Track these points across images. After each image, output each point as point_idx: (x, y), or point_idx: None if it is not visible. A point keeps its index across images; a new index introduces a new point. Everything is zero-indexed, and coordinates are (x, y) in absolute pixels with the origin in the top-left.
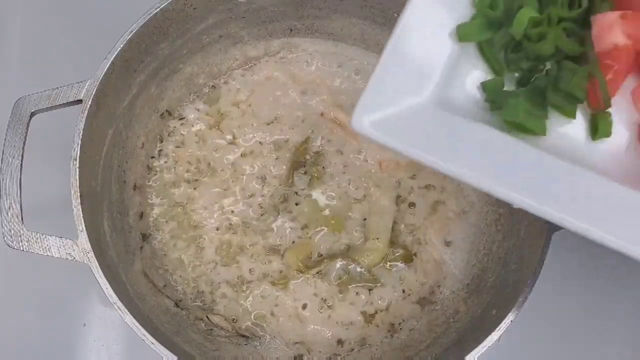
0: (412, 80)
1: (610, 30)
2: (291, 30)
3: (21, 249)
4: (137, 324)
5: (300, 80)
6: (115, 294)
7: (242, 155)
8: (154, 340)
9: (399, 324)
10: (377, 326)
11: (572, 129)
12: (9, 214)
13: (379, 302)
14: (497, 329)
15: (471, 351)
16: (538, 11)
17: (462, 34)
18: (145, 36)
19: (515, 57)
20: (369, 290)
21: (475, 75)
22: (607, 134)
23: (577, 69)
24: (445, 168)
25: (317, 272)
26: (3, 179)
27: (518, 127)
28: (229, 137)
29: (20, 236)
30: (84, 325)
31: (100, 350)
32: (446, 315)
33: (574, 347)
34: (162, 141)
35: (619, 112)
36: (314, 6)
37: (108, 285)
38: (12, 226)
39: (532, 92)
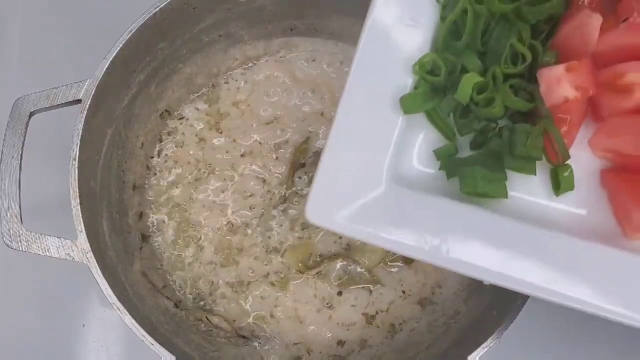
0: (365, 172)
1: (559, 85)
2: (291, 29)
3: (20, 249)
4: (136, 324)
5: (300, 79)
6: (115, 294)
7: (242, 155)
8: (153, 341)
9: (400, 324)
10: (378, 327)
11: (534, 187)
12: (8, 214)
13: (379, 302)
14: (498, 329)
15: (472, 352)
16: (482, 71)
17: (406, 107)
18: (145, 36)
19: (465, 122)
20: (369, 291)
21: (427, 143)
22: (570, 186)
23: (530, 129)
24: (421, 257)
25: (317, 273)
26: (2, 179)
27: (478, 194)
28: (229, 137)
29: (20, 236)
30: (83, 325)
31: (99, 351)
32: (447, 316)
33: (574, 348)
34: (161, 141)
35: (579, 162)
36: (314, 6)
37: (107, 286)
38: (12, 226)
39: (488, 156)
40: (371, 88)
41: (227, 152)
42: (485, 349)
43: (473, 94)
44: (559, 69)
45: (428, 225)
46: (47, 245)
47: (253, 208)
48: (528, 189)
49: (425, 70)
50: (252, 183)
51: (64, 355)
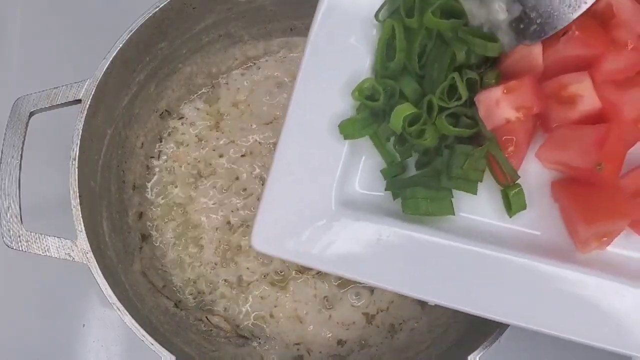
0: (312, 199)
1: (498, 107)
2: (291, 29)
3: (20, 249)
4: (136, 324)
5: None
6: (115, 294)
7: (242, 155)
8: (153, 341)
9: (400, 324)
10: (378, 327)
11: (485, 206)
12: (8, 214)
13: (380, 302)
14: (498, 329)
15: (472, 352)
16: (420, 97)
17: (346, 132)
18: (145, 36)
19: (404, 149)
20: (370, 290)
21: (375, 165)
22: (522, 206)
23: (470, 152)
24: (358, 278)
25: (317, 273)
26: (2, 178)
27: (422, 215)
28: (229, 137)
29: (19, 236)
30: (83, 325)
31: (99, 351)
32: (447, 316)
33: (574, 348)
34: (161, 141)
35: (531, 174)
36: (314, 5)
37: (107, 286)
38: (11, 226)
39: (431, 174)
40: (315, 112)
41: (227, 152)
42: (486, 349)
43: (404, 125)
44: (497, 91)
45: (377, 251)
46: (47, 245)
47: (253, 208)
48: (479, 209)
49: (364, 95)
50: (251, 183)
51: (64, 355)
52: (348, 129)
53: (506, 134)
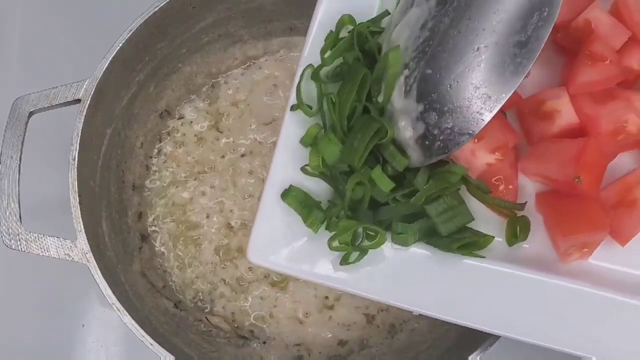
0: (300, 219)
1: (475, 156)
2: (291, 29)
3: (19, 249)
4: (135, 324)
5: None
6: (114, 294)
7: (242, 155)
8: (152, 341)
9: (400, 324)
10: (378, 327)
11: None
12: (7, 214)
13: (380, 302)
14: None
15: (472, 352)
16: (337, 161)
17: (286, 201)
18: (144, 35)
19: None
20: None
21: None
22: (525, 237)
23: (457, 245)
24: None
25: None
26: (1, 178)
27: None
28: (228, 136)
29: (19, 236)
30: (83, 325)
31: (99, 351)
32: None
33: None
34: (161, 141)
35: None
36: (314, 5)
37: (107, 286)
38: (11, 226)
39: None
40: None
41: (226, 152)
42: (486, 350)
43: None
44: (467, 145)
45: (363, 263)
46: (46, 245)
47: (252, 208)
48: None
49: (308, 142)
50: (251, 183)
51: (64, 355)
52: (288, 199)
53: (492, 175)
